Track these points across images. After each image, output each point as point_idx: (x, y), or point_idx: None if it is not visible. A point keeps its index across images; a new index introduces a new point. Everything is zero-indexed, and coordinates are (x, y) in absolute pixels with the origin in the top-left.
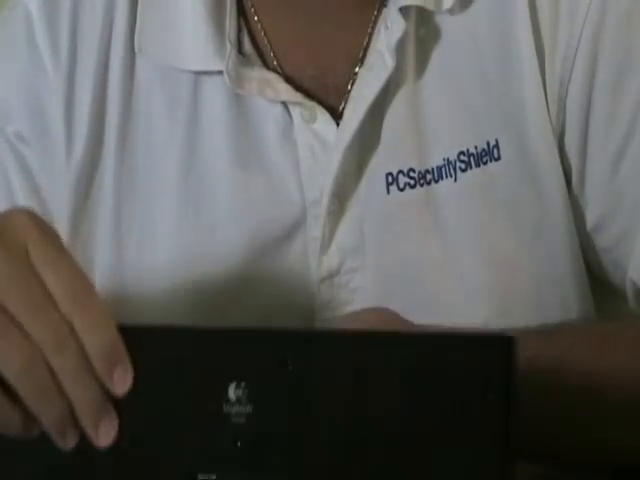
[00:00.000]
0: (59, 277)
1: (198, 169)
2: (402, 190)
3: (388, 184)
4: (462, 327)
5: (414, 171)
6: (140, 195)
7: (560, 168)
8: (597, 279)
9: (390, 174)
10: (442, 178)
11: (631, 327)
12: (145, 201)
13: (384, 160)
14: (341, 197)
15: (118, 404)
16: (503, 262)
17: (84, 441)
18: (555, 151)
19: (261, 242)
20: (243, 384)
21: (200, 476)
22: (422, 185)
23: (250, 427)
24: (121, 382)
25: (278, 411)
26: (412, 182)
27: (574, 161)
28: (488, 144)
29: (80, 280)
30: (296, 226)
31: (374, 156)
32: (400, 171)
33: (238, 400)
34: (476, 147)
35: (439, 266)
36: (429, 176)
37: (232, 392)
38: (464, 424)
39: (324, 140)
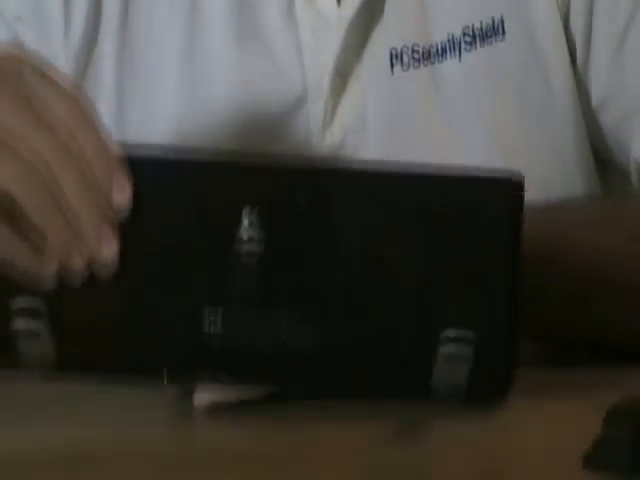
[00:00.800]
0: (60, 96)
1: (199, 48)
2: (406, 70)
3: (392, 62)
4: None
5: (418, 46)
6: (140, 74)
7: (565, 47)
8: (603, 162)
9: (394, 49)
10: (446, 58)
11: (633, 207)
12: (146, 81)
13: (388, 35)
14: (343, 74)
15: (125, 236)
16: (508, 143)
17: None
18: (561, 30)
19: (262, 120)
20: (256, 216)
21: (206, 310)
22: (426, 65)
23: (261, 261)
24: (120, 193)
25: (291, 245)
26: (416, 63)
27: (579, 39)
28: (493, 20)
29: (82, 101)
30: (298, 104)
31: (377, 32)
32: (404, 47)
33: (250, 233)
34: (481, 22)
35: (442, 146)
36: (433, 54)
37: (245, 223)
38: (474, 262)
39: (326, 18)
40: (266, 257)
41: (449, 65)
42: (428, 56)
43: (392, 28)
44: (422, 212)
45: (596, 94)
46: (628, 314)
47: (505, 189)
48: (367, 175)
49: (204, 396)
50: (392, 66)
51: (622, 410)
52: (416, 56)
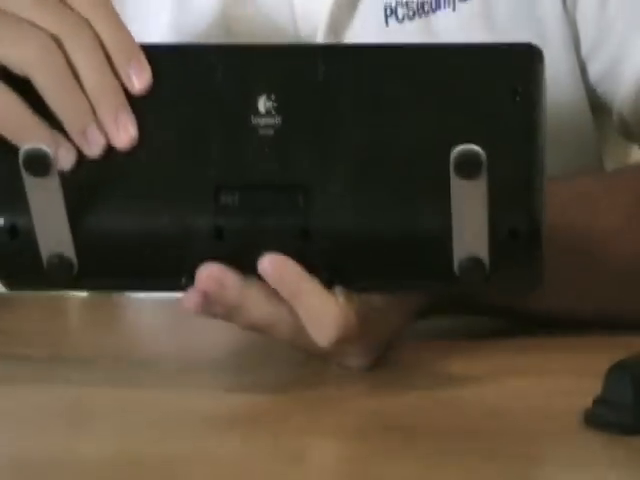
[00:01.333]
0: None
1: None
2: (401, 22)
3: (386, 16)
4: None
5: (412, 1)
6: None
7: None
8: (600, 111)
9: (389, 5)
10: (440, 7)
11: (626, 183)
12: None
13: None
14: (337, 31)
15: (140, 114)
16: None
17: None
18: None
19: None
20: (273, 96)
21: (223, 192)
22: (421, 16)
23: (278, 139)
24: (139, 76)
25: (308, 123)
26: (411, 13)
27: None
28: None
29: None
30: None
31: None
32: (398, 2)
33: (267, 112)
34: None
35: None
36: (427, 6)
37: (261, 104)
38: (495, 127)
39: None
40: (281, 137)
41: (443, 15)
42: (422, 7)
43: None
44: (440, 83)
45: (584, 42)
46: (629, 298)
47: (527, 52)
48: (389, 52)
49: (194, 296)
50: (386, 19)
51: (623, 366)
52: (410, 10)
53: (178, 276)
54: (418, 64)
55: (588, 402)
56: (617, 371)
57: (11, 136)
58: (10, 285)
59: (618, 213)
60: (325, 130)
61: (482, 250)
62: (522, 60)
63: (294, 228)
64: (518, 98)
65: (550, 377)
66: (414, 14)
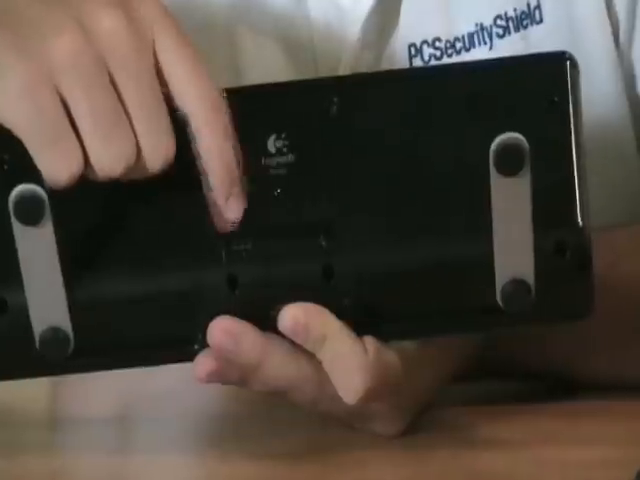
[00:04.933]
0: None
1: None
2: (426, 63)
3: (411, 57)
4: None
5: (440, 40)
6: None
7: (608, 29)
8: None
9: (413, 45)
10: (474, 46)
11: None
12: None
13: (405, 30)
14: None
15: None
16: None
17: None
18: (603, 9)
19: None
20: (283, 134)
21: (235, 238)
22: (450, 55)
23: (292, 177)
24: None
25: (323, 157)
26: (438, 53)
27: (622, 18)
28: (529, 5)
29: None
30: None
31: (394, 27)
32: (424, 41)
33: (278, 151)
34: (515, 10)
35: None
36: (459, 45)
37: (271, 145)
38: (533, 141)
39: (341, 11)
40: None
41: (478, 54)
42: (453, 47)
43: (410, 21)
44: (470, 101)
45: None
46: None
47: (562, 60)
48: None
49: (206, 361)
50: (410, 60)
51: None
52: (437, 50)
53: (189, 342)
54: (445, 83)
55: (631, 474)
56: None
57: None
58: None
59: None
60: (343, 162)
61: (527, 267)
62: (557, 69)
63: (317, 269)
64: (555, 109)
65: (588, 446)
66: (442, 54)
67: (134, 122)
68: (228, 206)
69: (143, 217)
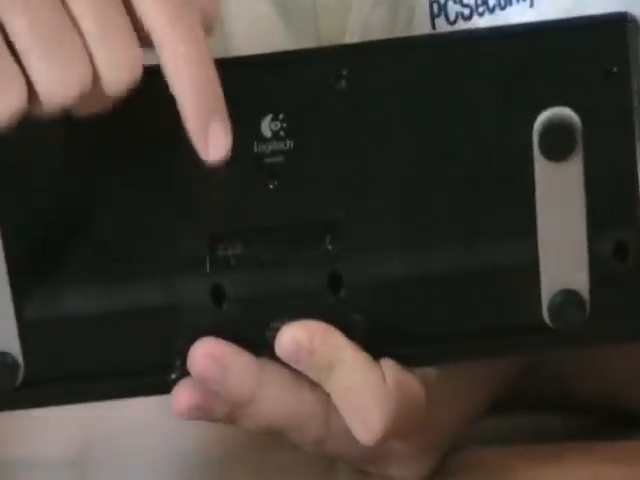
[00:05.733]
0: None
1: None
2: (452, 24)
3: (433, 16)
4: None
5: None
6: None
7: None
8: None
9: (435, 2)
10: (511, 3)
11: None
12: None
13: None
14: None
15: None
16: None
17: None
18: None
19: None
20: (281, 116)
21: (221, 241)
22: (482, 14)
23: (290, 167)
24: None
25: (327, 144)
26: (466, 11)
27: None
28: None
29: None
30: None
31: None
32: None
33: (274, 136)
34: None
35: None
36: (492, 1)
37: (265, 127)
38: (588, 120)
39: None
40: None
41: (516, 13)
42: (484, 3)
43: None
44: (511, 75)
45: None
46: None
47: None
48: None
49: (187, 392)
50: (433, 21)
51: None
52: (466, 8)
53: (165, 370)
54: (477, 52)
55: None
56: None
57: None
58: None
59: None
60: (353, 149)
61: (580, 276)
62: (616, 34)
63: (321, 279)
64: (614, 81)
65: None
66: (472, 12)
67: (85, 35)
68: (208, 140)
69: (108, 217)
